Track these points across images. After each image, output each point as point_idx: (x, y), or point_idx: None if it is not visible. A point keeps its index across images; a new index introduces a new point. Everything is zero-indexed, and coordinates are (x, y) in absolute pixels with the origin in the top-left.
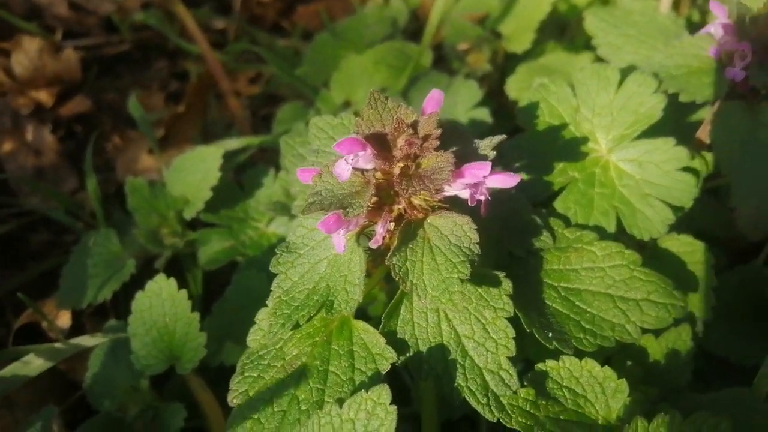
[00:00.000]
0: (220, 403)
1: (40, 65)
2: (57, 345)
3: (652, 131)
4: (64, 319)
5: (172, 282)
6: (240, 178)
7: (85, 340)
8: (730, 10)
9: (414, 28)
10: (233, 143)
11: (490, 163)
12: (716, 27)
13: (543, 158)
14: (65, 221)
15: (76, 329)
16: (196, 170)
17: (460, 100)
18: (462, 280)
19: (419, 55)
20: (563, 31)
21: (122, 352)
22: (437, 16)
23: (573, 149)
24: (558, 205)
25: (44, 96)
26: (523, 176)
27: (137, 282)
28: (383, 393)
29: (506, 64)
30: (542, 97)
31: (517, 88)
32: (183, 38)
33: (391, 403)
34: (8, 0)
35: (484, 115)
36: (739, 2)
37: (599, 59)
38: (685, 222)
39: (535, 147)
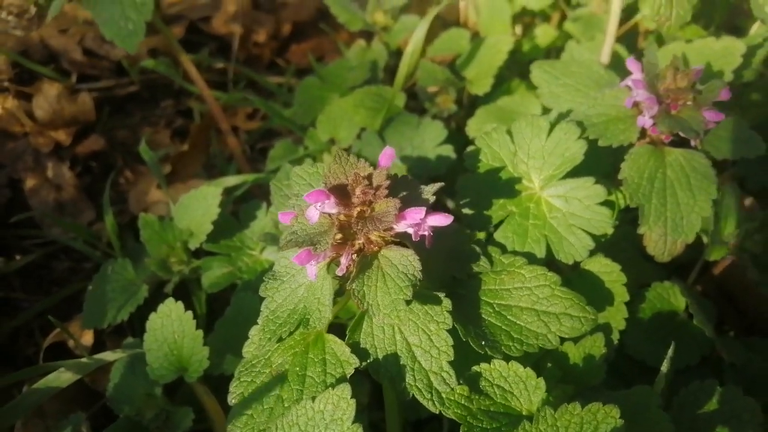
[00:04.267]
0: (222, 406)
1: (58, 108)
2: (83, 360)
3: (581, 170)
4: (87, 338)
5: (180, 305)
6: (237, 210)
7: (107, 356)
8: (643, 66)
9: (395, 66)
10: (232, 180)
11: (425, 208)
12: (631, 82)
13: (486, 195)
14: (84, 250)
15: (98, 346)
16: (198, 207)
17: (427, 138)
18: (407, 301)
19: (392, 98)
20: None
21: (139, 365)
22: (405, 68)
23: (511, 187)
24: (498, 235)
25: (62, 136)
26: (468, 211)
27: (150, 304)
28: (345, 389)
29: (471, 103)
30: (485, 143)
31: (476, 128)
32: (187, 80)
33: (351, 398)
34: (28, 48)
35: (448, 151)
36: (648, 62)
37: (544, 108)
38: (624, 239)
39: (480, 185)
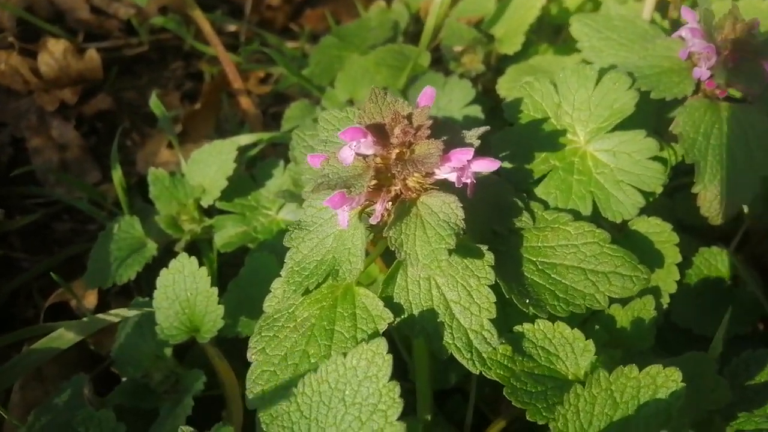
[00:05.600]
0: (235, 371)
1: (65, 65)
2: (86, 319)
3: (627, 124)
4: (91, 299)
5: (194, 260)
6: (252, 171)
7: (113, 315)
8: (698, 16)
9: (415, 30)
10: (246, 138)
11: (473, 148)
12: (686, 31)
13: (527, 148)
14: (89, 210)
15: (102, 308)
16: (213, 162)
17: (455, 98)
18: (449, 250)
19: (417, 56)
20: (558, 32)
21: (147, 325)
22: (433, 22)
23: (554, 140)
24: (540, 190)
25: (68, 94)
26: (508, 164)
27: (158, 265)
28: (381, 344)
29: (499, 65)
30: (527, 93)
31: (507, 87)
32: (198, 40)
33: (387, 353)
34: (33, 4)
35: (476, 111)
36: (706, 9)
37: (585, 61)
38: (660, 209)
39: (520, 138)
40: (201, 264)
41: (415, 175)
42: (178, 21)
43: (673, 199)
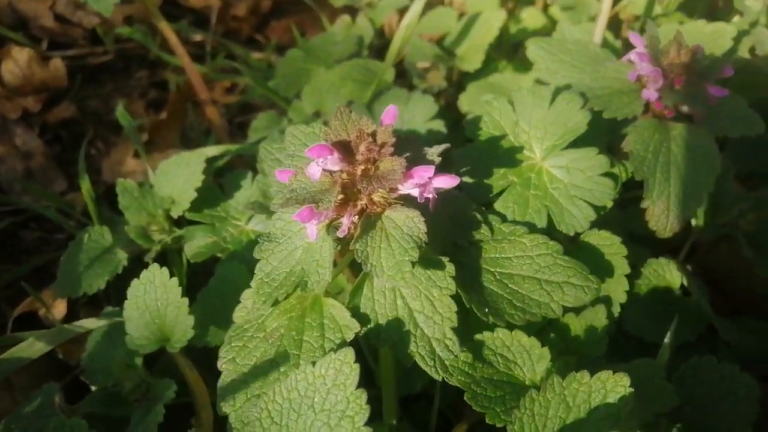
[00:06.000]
0: (203, 379)
1: (29, 73)
2: (57, 328)
3: (581, 141)
4: (60, 309)
5: (165, 271)
6: (220, 181)
7: (84, 324)
8: (646, 41)
9: (379, 45)
10: (213, 150)
11: (434, 166)
12: (635, 55)
13: (487, 164)
14: (57, 219)
15: (71, 318)
16: (181, 173)
17: (418, 113)
18: (412, 262)
19: (383, 72)
20: (516, 49)
21: (117, 335)
22: (399, 42)
23: (512, 157)
24: (498, 204)
25: (31, 102)
26: (468, 179)
27: (126, 275)
28: (349, 353)
29: (461, 81)
30: (486, 111)
31: (468, 103)
32: (163, 50)
33: (354, 362)
34: None
35: (439, 126)
36: (652, 36)
37: (541, 81)
38: (614, 221)
39: (480, 154)
40: (171, 274)
41: (380, 190)
42: (143, 31)
43: (626, 211)
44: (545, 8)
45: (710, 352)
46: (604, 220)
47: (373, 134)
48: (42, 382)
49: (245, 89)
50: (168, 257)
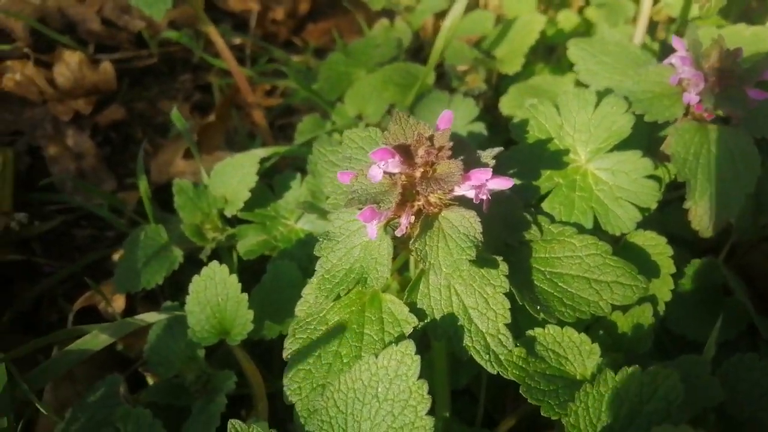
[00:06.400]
0: (261, 372)
1: (80, 76)
2: (120, 321)
3: (624, 145)
4: (119, 303)
5: (225, 268)
6: (268, 182)
7: (146, 317)
8: (687, 45)
9: (416, 47)
10: (262, 152)
11: (490, 169)
12: (676, 59)
13: (532, 167)
14: (109, 218)
15: (129, 313)
16: (235, 174)
17: (459, 115)
18: (469, 261)
19: (425, 75)
20: (551, 52)
21: (178, 328)
22: (441, 44)
23: (557, 159)
24: (545, 205)
25: (82, 104)
26: (516, 181)
27: (180, 271)
28: (410, 346)
29: (499, 83)
30: (532, 115)
31: (509, 106)
32: (206, 53)
33: (415, 354)
34: (46, 15)
35: (480, 128)
36: (694, 39)
37: (580, 82)
38: (653, 223)
39: (526, 157)
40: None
41: (437, 192)
42: (189, 35)
43: (664, 213)
44: (580, 10)
45: (751, 350)
46: (645, 220)
47: (431, 138)
48: (102, 374)
49: (285, 92)
50: (220, 255)
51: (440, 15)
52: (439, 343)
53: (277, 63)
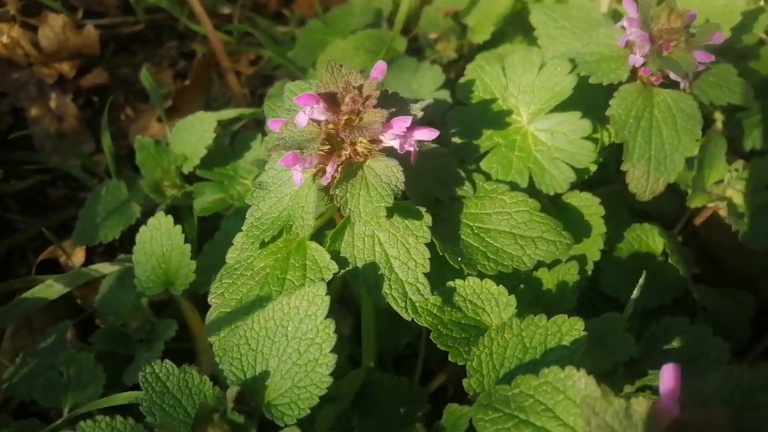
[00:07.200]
0: None
1: (63, 39)
2: (74, 271)
3: (574, 107)
4: (79, 257)
5: (170, 218)
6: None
7: (99, 268)
8: (638, 7)
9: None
10: (228, 113)
11: (411, 117)
12: (626, 21)
13: (476, 126)
14: (82, 177)
15: (89, 266)
16: (194, 132)
17: (426, 82)
18: (390, 209)
19: (391, 39)
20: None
21: (128, 279)
22: (405, 8)
23: (500, 120)
24: (484, 164)
25: (66, 68)
26: (457, 140)
27: (140, 228)
28: (321, 287)
29: (471, 53)
30: (478, 75)
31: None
32: (192, 21)
33: (326, 294)
34: None
35: (445, 95)
36: (641, 2)
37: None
38: (614, 195)
39: (470, 117)
40: (182, 227)
41: (363, 140)
42: (172, 1)
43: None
44: None
45: (688, 316)
46: (607, 192)
47: (360, 87)
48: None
49: (270, 61)
50: (180, 213)
51: None
52: (368, 297)
53: (258, 31)
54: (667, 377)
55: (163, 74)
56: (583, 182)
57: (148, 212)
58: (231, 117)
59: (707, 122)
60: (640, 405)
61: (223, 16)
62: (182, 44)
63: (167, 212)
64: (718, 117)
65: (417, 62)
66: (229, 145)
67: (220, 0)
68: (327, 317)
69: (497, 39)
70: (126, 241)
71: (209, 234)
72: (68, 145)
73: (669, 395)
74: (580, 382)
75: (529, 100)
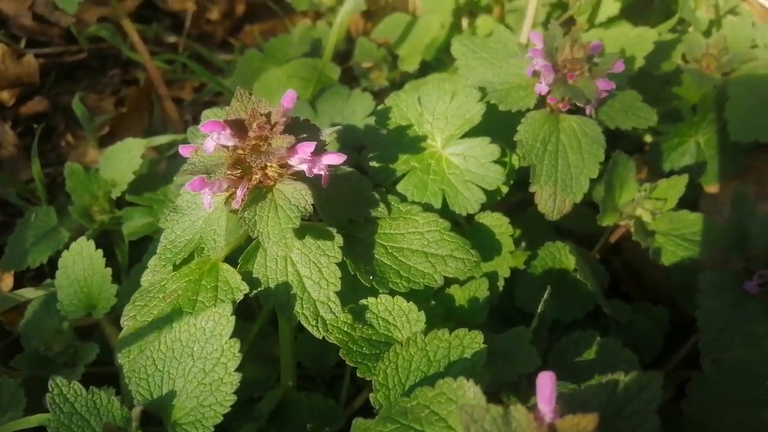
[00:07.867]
0: None
1: (3, 68)
2: (1, 296)
3: (482, 133)
4: (8, 282)
5: (91, 243)
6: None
7: (25, 292)
8: (543, 38)
9: (346, 50)
10: (160, 139)
11: (315, 143)
12: (532, 52)
13: (393, 151)
14: (17, 203)
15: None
16: (123, 158)
17: (358, 109)
18: (298, 231)
19: (321, 68)
20: None
21: (52, 303)
22: (334, 39)
23: (415, 145)
24: (400, 186)
25: (5, 95)
26: (376, 164)
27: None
28: (226, 308)
29: (403, 81)
30: (395, 103)
31: None
32: (134, 50)
33: (231, 315)
34: None
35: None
36: (549, 33)
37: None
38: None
39: (387, 142)
40: (113, 252)
41: (273, 165)
42: (113, 31)
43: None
44: (502, 17)
45: (602, 330)
46: (528, 216)
47: (268, 114)
48: None
49: (211, 88)
50: (112, 238)
51: (367, 14)
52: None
53: (208, 63)
54: (542, 384)
55: (106, 101)
56: (511, 204)
57: (77, 237)
58: (163, 143)
59: (638, 146)
60: (519, 412)
61: (168, 44)
62: (126, 72)
63: (100, 237)
64: (648, 140)
65: (349, 90)
66: (159, 171)
67: (165, 30)
68: (232, 337)
69: (434, 67)
70: (55, 267)
71: (141, 258)
72: (3, 174)
73: (546, 402)
74: (469, 392)
75: (443, 127)
